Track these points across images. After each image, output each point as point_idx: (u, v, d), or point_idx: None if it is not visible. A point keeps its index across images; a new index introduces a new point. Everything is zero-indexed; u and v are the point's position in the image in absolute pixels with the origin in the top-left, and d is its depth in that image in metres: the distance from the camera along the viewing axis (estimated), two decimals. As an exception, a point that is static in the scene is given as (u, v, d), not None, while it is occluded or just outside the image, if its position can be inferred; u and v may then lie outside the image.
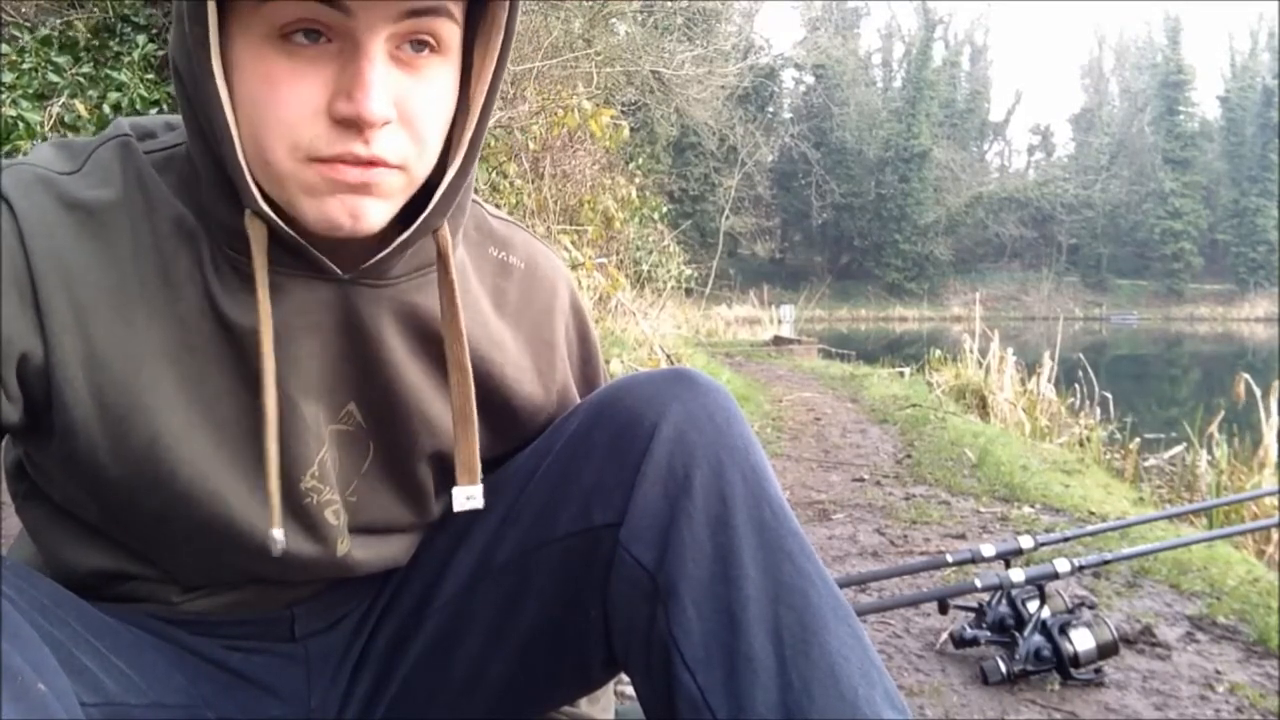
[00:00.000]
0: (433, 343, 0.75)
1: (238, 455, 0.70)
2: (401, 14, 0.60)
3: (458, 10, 0.64)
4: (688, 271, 13.50)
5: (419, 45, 0.63)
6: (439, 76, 0.65)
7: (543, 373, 0.85)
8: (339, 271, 0.68)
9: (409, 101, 0.63)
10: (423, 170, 0.66)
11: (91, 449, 0.67)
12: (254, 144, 0.62)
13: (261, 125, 0.61)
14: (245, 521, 0.71)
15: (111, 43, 3.88)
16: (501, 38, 0.67)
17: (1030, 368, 6.85)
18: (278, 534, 0.68)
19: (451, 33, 0.64)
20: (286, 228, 0.64)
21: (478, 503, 0.74)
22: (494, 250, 0.83)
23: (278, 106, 0.60)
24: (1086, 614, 1.56)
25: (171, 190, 0.68)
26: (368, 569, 0.80)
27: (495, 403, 0.82)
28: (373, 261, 0.68)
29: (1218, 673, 1.62)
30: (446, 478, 0.82)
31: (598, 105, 6.07)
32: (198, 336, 0.68)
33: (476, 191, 0.81)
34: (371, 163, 0.61)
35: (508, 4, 0.66)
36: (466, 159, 0.68)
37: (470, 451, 0.74)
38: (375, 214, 0.64)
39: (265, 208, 0.63)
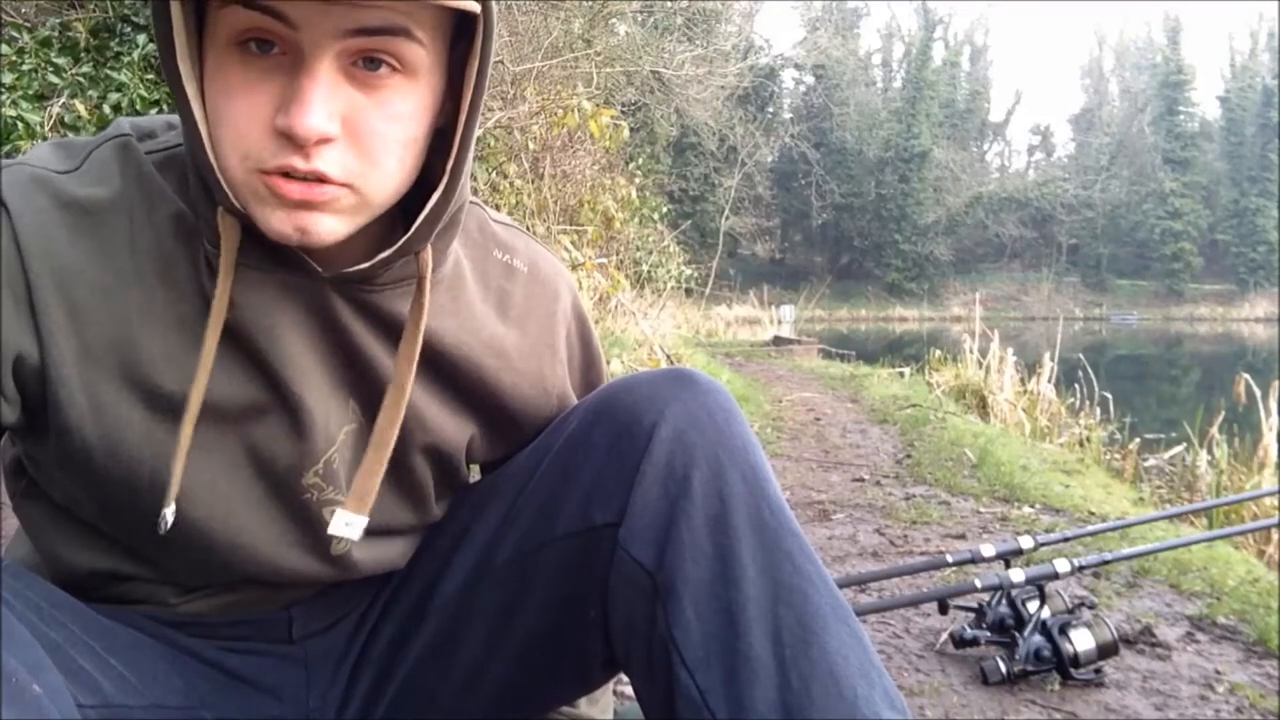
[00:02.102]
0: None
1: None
2: (350, 31, 0.59)
3: (425, 34, 0.62)
4: (688, 271, 13.53)
5: (375, 63, 0.61)
6: (400, 97, 0.63)
7: (545, 376, 0.85)
8: (320, 270, 0.67)
9: (360, 119, 0.61)
10: (378, 189, 0.64)
11: (87, 448, 0.67)
12: (216, 148, 0.62)
13: (218, 132, 0.61)
14: (239, 520, 0.70)
15: (111, 43, 3.87)
16: (477, 65, 0.65)
17: (1030, 368, 6.84)
18: (168, 513, 0.67)
19: (415, 55, 0.62)
20: (257, 226, 0.63)
21: (354, 533, 0.71)
22: (498, 253, 0.83)
23: (231, 115, 0.61)
24: (1086, 614, 1.56)
25: (173, 189, 0.68)
26: (366, 571, 0.80)
27: (490, 406, 0.82)
28: (351, 270, 0.67)
29: (1218, 673, 1.62)
30: (445, 477, 0.82)
31: (598, 105, 6.06)
32: (196, 335, 0.67)
33: (476, 193, 0.81)
34: (318, 179, 0.61)
35: (481, 33, 0.64)
36: (449, 184, 0.66)
37: (369, 479, 0.71)
38: (326, 229, 0.63)
39: (237, 204, 0.63)
